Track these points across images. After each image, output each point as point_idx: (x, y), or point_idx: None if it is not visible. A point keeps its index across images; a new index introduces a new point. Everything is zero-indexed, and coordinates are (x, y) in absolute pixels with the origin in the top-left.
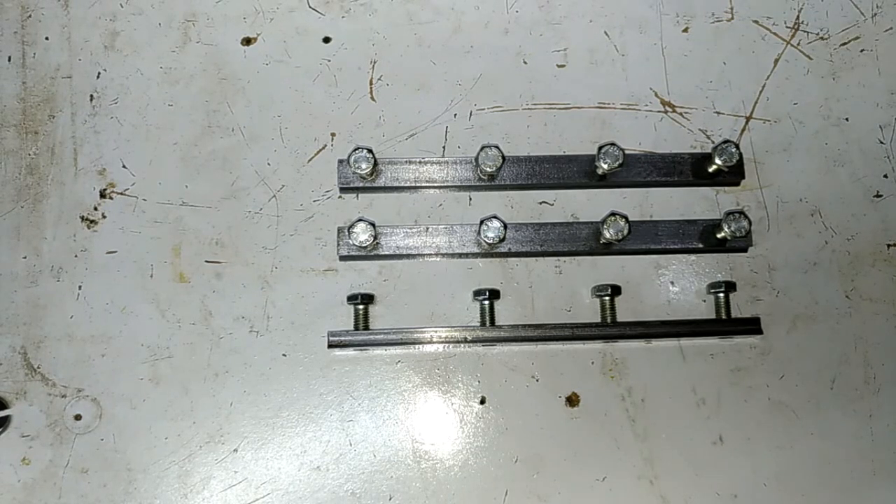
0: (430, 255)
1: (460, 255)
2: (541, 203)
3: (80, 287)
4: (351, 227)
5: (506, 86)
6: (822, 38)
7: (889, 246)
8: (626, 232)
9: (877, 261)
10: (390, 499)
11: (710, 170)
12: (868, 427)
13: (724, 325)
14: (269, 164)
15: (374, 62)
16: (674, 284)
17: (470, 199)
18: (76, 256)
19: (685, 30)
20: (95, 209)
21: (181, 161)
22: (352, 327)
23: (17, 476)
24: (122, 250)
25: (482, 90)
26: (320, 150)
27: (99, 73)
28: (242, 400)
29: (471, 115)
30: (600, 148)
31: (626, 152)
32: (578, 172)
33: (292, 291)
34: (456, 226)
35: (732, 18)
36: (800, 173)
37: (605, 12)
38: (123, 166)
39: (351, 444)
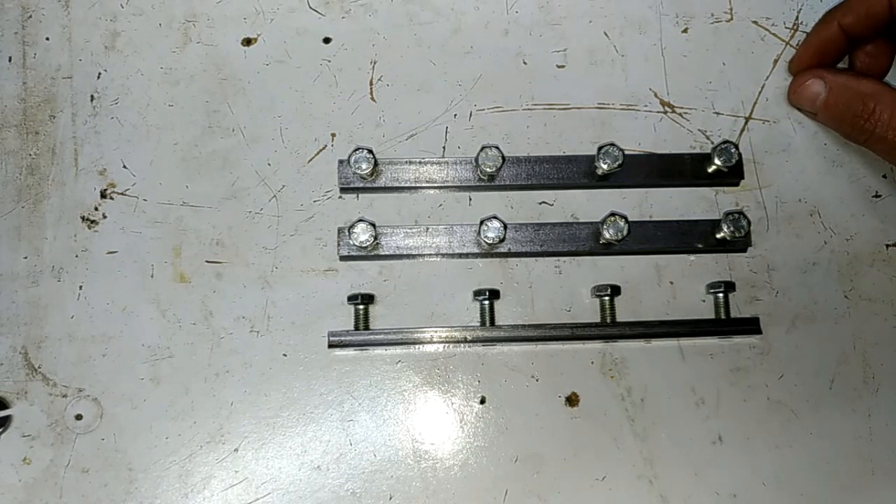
0: (431, 255)
1: (460, 255)
2: (541, 203)
3: (80, 287)
4: (351, 227)
5: (506, 86)
6: None
7: (888, 246)
8: (625, 232)
9: (875, 261)
10: (390, 498)
11: (710, 170)
12: (867, 426)
13: (724, 325)
14: (269, 164)
15: (375, 63)
16: (673, 284)
17: (470, 199)
18: (77, 256)
19: (685, 30)
20: (96, 209)
21: (182, 161)
22: (352, 327)
23: (18, 476)
24: (123, 250)
25: (482, 90)
26: (320, 151)
27: (99, 74)
28: (243, 400)
29: (471, 115)
30: (600, 148)
31: (626, 152)
32: (578, 173)
33: (293, 291)
34: (456, 226)
35: (732, 19)
36: (799, 173)
37: (604, 13)
38: (124, 166)
39: (351, 444)
